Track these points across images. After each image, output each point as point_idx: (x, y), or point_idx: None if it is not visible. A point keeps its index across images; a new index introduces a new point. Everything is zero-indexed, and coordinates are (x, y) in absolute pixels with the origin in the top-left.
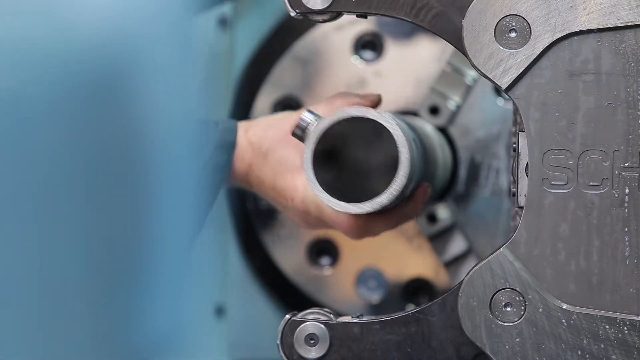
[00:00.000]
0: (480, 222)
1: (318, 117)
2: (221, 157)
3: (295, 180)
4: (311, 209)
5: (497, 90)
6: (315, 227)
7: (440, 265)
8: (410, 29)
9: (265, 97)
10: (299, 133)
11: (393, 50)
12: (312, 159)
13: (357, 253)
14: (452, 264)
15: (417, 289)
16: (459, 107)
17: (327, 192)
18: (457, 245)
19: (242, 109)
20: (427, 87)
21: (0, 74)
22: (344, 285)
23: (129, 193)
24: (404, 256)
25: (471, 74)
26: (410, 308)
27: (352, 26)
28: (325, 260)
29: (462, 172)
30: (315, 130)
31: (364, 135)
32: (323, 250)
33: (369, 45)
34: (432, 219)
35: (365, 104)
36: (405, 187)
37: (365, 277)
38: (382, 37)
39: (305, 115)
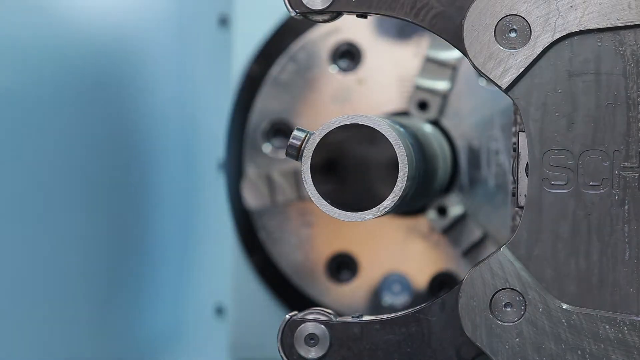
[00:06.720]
0: (489, 206)
1: (309, 132)
2: None
3: None
4: None
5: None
6: None
7: (459, 256)
8: (387, 30)
9: (254, 126)
10: (293, 152)
11: (371, 55)
12: (311, 175)
13: (376, 262)
14: (471, 252)
15: (442, 284)
16: (446, 97)
17: (331, 204)
18: (472, 233)
19: (242, 107)
20: (411, 85)
21: (1, 73)
22: (368, 296)
23: (130, 193)
24: (422, 254)
25: (450, 60)
26: None
27: (326, 39)
28: (345, 275)
29: (463, 160)
30: (308, 145)
31: (361, 141)
32: (342, 264)
33: (346, 55)
34: (443, 211)
35: None
36: (408, 187)
37: (389, 283)
38: (357, 44)
39: (296, 134)
